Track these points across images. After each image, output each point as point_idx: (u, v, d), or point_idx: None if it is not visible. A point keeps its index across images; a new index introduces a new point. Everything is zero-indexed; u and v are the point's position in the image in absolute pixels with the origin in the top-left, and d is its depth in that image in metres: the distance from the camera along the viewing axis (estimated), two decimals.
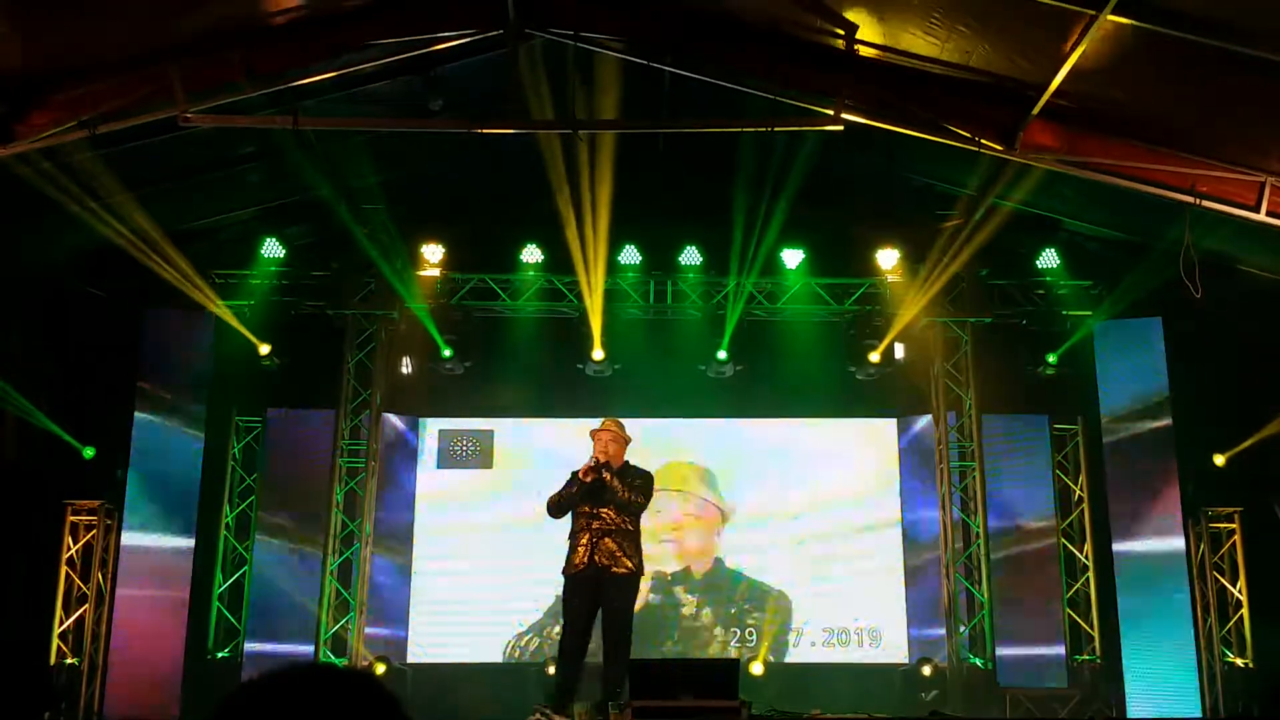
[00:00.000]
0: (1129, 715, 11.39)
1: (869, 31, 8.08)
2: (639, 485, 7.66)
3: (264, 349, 12.26)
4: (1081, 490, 12.63)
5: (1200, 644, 11.60)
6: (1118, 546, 11.91)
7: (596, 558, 7.45)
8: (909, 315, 12.40)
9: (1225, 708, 11.35)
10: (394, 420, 12.98)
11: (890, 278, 12.62)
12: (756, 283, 12.47)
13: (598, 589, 7.48)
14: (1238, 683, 11.47)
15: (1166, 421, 11.96)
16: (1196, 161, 8.15)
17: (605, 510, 7.52)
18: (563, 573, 7.77)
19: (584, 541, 7.52)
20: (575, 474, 7.66)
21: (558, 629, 12.28)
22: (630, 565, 7.45)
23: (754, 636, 12.38)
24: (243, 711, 1.68)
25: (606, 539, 7.47)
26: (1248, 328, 12.06)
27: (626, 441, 7.86)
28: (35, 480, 11.57)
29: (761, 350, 12.83)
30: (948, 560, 12.36)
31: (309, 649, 11.79)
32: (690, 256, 12.60)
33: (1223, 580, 11.85)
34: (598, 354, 12.47)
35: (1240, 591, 11.75)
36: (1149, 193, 8.32)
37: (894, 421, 13.10)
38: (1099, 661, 12.11)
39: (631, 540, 7.54)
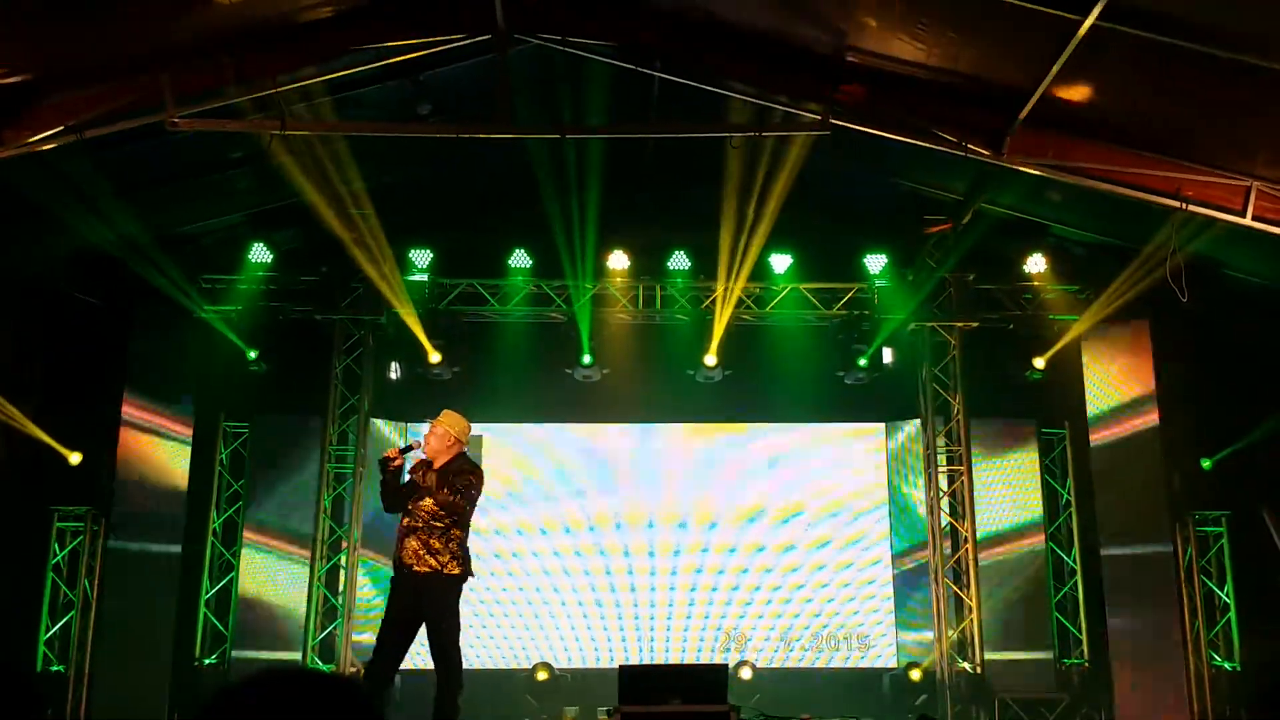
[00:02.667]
0: (1116, 719, 11.42)
1: (857, 37, 8.10)
2: (459, 485, 7.16)
3: (251, 354, 12.24)
4: (1069, 494, 12.67)
5: (1188, 648, 11.63)
6: (1105, 550, 11.93)
7: (404, 556, 7.06)
8: (897, 320, 12.43)
9: (1213, 712, 11.38)
10: (382, 425, 12.95)
11: (878, 282, 12.64)
12: (745, 287, 12.47)
13: (407, 591, 7.09)
14: (1225, 687, 11.51)
15: (1154, 425, 11.99)
16: (1183, 166, 8.19)
17: (418, 507, 7.11)
18: None
19: (398, 539, 7.16)
20: (382, 462, 7.29)
21: (542, 630, 12.39)
22: (434, 564, 7.00)
23: (743, 640, 12.38)
24: (224, 716, 1.68)
25: (412, 537, 7.06)
26: (1234, 332, 12.11)
27: (450, 438, 7.32)
28: (22, 486, 11.52)
29: (750, 355, 12.84)
30: (936, 565, 12.37)
31: (296, 655, 11.77)
32: (679, 261, 12.60)
33: (1210, 584, 11.89)
34: (586, 359, 12.48)
35: (1227, 595, 11.80)
36: (1135, 197, 8.35)
37: (882, 426, 13.13)
38: (1087, 665, 12.14)
39: (441, 538, 7.06)
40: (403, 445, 7.41)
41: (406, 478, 7.34)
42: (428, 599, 7.03)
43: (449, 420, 7.34)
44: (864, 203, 12.89)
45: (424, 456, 7.29)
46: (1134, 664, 11.57)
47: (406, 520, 7.10)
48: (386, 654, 7.13)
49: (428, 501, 7.08)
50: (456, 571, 7.08)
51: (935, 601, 12.30)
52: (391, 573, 7.27)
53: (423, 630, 7.17)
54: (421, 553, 6.98)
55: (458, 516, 7.13)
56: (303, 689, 1.70)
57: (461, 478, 7.15)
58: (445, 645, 7.08)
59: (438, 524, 7.04)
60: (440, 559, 6.97)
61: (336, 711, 1.68)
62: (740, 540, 12.74)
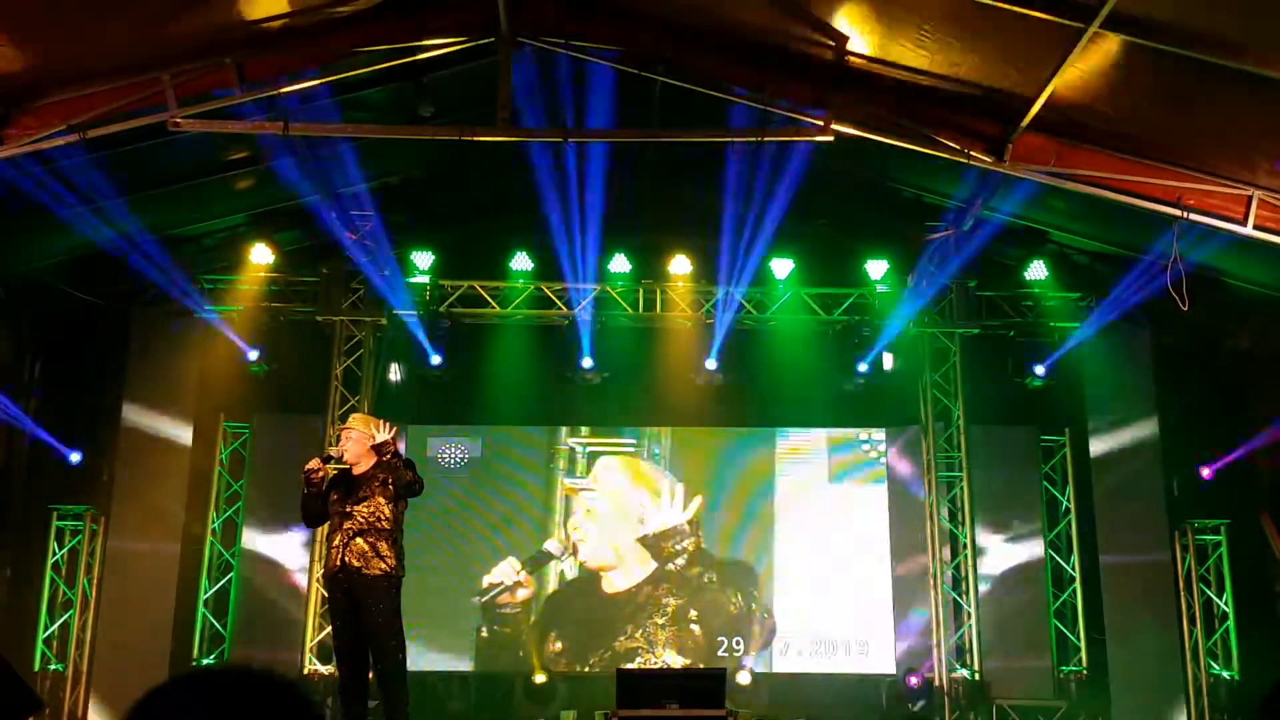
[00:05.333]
0: None
1: (859, 43, 8.10)
2: (398, 481, 7.02)
3: (252, 354, 12.24)
4: (1069, 501, 12.66)
5: (1186, 656, 11.63)
6: (1104, 558, 11.93)
7: (348, 559, 6.86)
8: (898, 326, 12.42)
9: None
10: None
11: (879, 288, 12.63)
12: (746, 292, 12.48)
13: (353, 593, 6.91)
14: (1224, 695, 11.50)
15: (1153, 433, 11.99)
16: (1184, 174, 8.18)
17: (358, 507, 6.94)
18: (320, 577, 7.22)
19: (336, 542, 6.96)
20: (307, 474, 7.11)
21: (539, 633, 12.37)
22: (385, 567, 6.87)
23: (740, 645, 12.37)
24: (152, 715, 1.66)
25: (358, 539, 6.88)
26: (1234, 341, 12.13)
27: (368, 440, 7.15)
28: (22, 485, 11.53)
29: (750, 359, 12.84)
30: (935, 571, 12.36)
31: (295, 656, 11.76)
32: (680, 265, 12.60)
33: (1208, 592, 11.88)
34: (587, 362, 12.48)
35: (1226, 603, 11.78)
36: (1137, 205, 8.35)
37: (882, 432, 13.11)
38: (1085, 673, 12.12)
39: (387, 539, 6.93)
40: (324, 456, 7.29)
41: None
42: (381, 602, 6.95)
43: (363, 422, 7.28)
44: (865, 209, 12.90)
45: (347, 464, 7.21)
46: (1132, 672, 11.56)
47: (347, 523, 6.98)
48: (355, 666, 7.07)
49: (372, 503, 6.98)
50: (402, 573, 7.04)
51: (934, 608, 12.28)
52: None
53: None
54: (369, 554, 6.88)
55: (397, 513, 7.06)
56: (238, 687, 1.68)
57: (402, 464, 7.10)
58: (394, 648, 7.01)
59: (383, 525, 6.97)
60: (389, 562, 6.91)
61: (274, 711, 1.67)
62: (739, 544, 12.73)
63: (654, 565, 12.64)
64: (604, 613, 12.55)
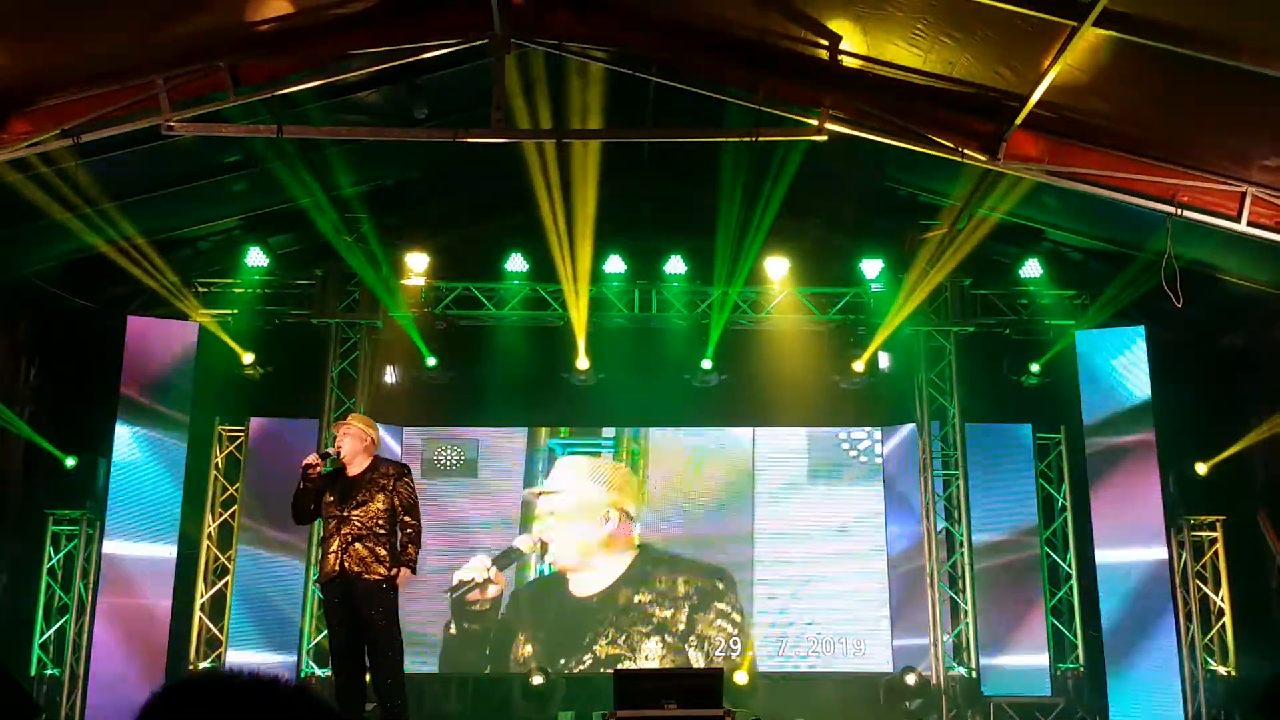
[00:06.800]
0: None
1: (853, 42, 8.10)
2: (402, 491, 7.06)
3: (247, 358, 12.23)
4: (1064, 499, 12.67)
5: (1183, 652, 11.65)
6: (1100, 555, 11.94)
7: (347, 564, 6.88)
8: (893, 324, 12.43)
9: (1208, 716, 11.39)
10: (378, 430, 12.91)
11: (874, 287, 12.64)
12: (741, 292, 12.48)
13: (351, 598, 6.92)
14: (1220, 692, 11.52)
15: (1149, 430, 11.99)
16: (1178, 171, 8.19)
17: (355, 512, 6.95)
18: (316, 581, 7.33)
19: (334, 547, 6.95)
20: (305, 468, 7.08)
21: (535, 634, 12.36)
22: (383, 571, 6.89)
23: (738, 644, 12.37)
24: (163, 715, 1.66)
25: (357, 544, 6.89)
26: (1229, 337, 12.15)
27: (366, 439, 7.18)
28: (18, 490, 11.51)
29: (746, 359, 12.85)
30: (931, 569, 12.38)
31: (292, 659, 11.76)
32: (675, 265, 12.60)
33: (1205, 588, 11.90)
34: (582, 362, 12.48)
35: (1223, 600, 11.80)
36: (1131, 203, 8.36)
37: (878, 430, 13.12)
38: (1082, 670, 12.14)
39: (384, 543, 6.95)
40: (322, 452, 7.27)
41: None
42: (380, 605, 6.94)
43: (362, 422, 7.28)
44: (860, 208, 12.90)
45: (343, 462, 7.19)
46: (1129, 669, 11.57)
47: (345, 529, 6.96)
48: (352, 669, 7.06)
49: (369, 508, 6.96)
50: (397, 576, 7.02)
51: (931, 606, 12.29)
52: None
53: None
54: (368, 559, 6.87)
55: (401, 521, 7.06)
56: (248, 692, 1.68)
57: (402, 482, 7.09)
58: (392, 651, 7.00)
59: (380, 530, 6.96)
60: (386, 566, 6.91)
61: (289, 712, 1.67)
62: (736, 545, 12.72)
63: (624, 569, 12.62)
64: (573, 616, 12.54)
